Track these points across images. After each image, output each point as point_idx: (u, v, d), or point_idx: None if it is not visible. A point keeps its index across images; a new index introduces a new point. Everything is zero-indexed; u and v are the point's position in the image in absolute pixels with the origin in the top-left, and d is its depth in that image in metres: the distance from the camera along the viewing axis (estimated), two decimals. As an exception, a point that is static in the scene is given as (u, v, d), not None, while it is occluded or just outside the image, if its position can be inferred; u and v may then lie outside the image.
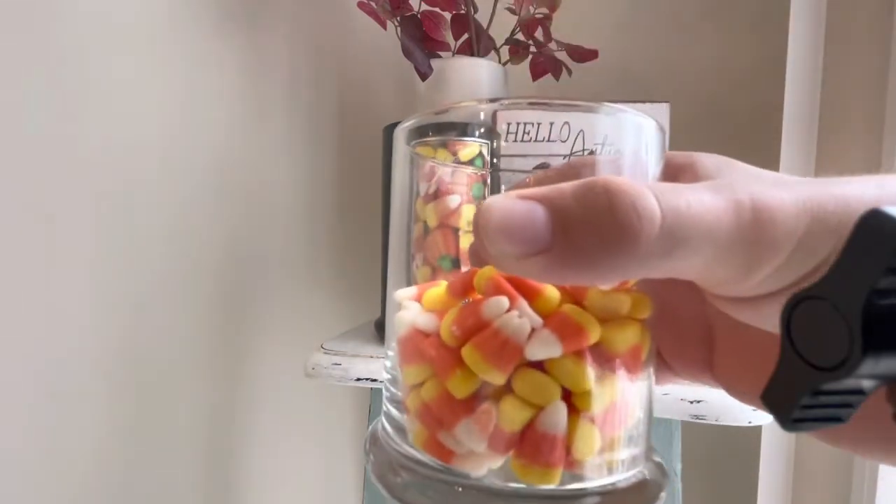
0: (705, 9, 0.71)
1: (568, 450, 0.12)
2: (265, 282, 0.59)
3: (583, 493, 0.13)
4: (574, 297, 0.13)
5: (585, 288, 0.13)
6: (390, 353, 0.16)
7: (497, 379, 0.12)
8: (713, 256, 0.10)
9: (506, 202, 0.11)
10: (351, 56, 0.72)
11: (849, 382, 0.09)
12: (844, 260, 0.09)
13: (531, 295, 0.13)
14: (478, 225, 0.11)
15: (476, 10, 0.56)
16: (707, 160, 0.14)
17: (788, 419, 0.10)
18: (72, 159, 0.39)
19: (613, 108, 0.13)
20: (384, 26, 0.54)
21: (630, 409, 0.13)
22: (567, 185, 0.11)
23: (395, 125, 0.45)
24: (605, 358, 0.13)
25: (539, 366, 0.12)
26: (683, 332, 0.17)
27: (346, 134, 0.71)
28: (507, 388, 0.12)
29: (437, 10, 0.54)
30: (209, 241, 0.52)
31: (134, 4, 0.43)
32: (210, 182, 0.51)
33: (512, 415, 0.12)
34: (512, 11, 0.57)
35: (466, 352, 0.12)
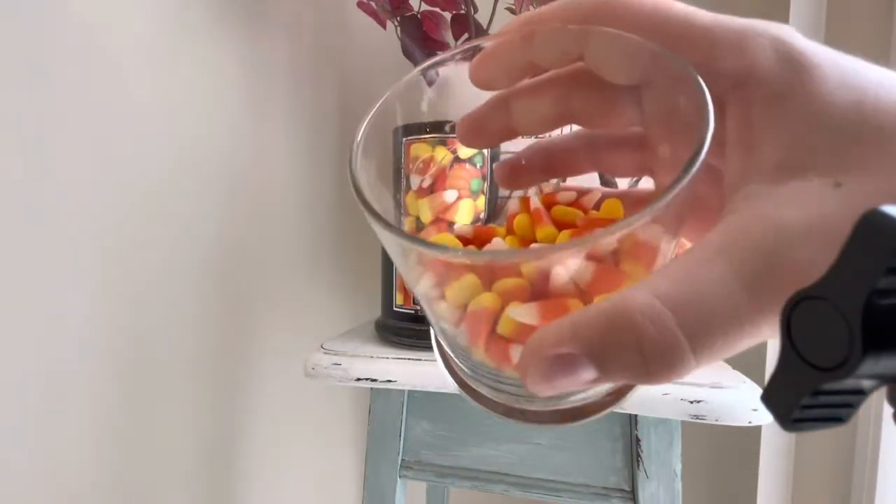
0: (705, 9, 0.71)
1: None
2: (265, 282, 0.59)
3: None
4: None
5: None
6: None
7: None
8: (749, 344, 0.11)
9: (540, 363, 0.11)
10: (351, 56, 0.72)
11: (849, 382, 0.09)
12: (844, 260, 0.09)
13: (558, 310, 0.12)
14: (525, 382, 0.11)
15: (476, 10, 0.56)
16: (771, 78, 0.11)
17: (788, 419, 0.10)
18: (73, 160, 0.39)
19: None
20: (384, 26, 0.54)
21: None
22: (595, 319, 0.10)
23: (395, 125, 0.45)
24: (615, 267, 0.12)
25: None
26: (703, 212, 0.15)
27: (346, 134, 0.71)
28: None
29: (437, 10, 0.54)
30: (209, 241, 0.52)
31: (136, 5, 0.43)
32: (210, 182, 0.51)
33: None
34: (511, 11, 0.57)
35: None
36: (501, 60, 0.14)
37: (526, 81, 0.15)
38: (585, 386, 0.11)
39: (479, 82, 0.15)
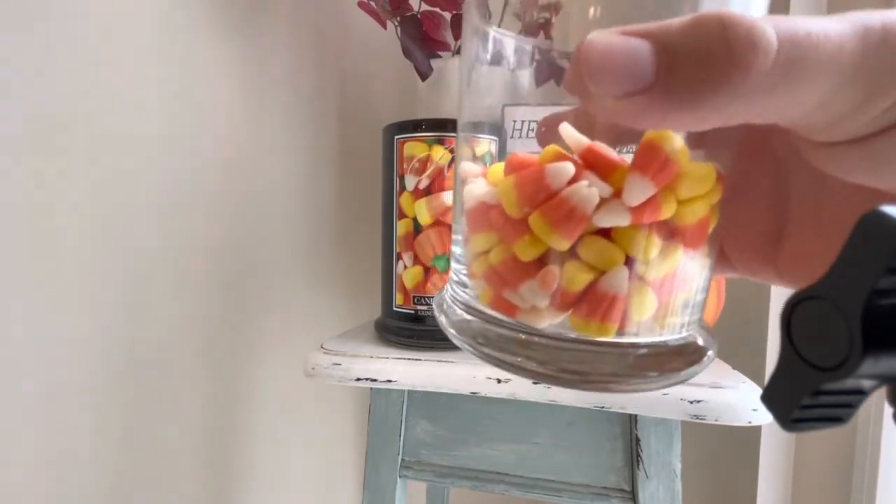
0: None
1: (624, 311, 0.13)
2: (265, 282, 0.59)
3: (635, 345, 0.13)
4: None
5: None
6: (456, 226, 0.16)
7: (562, 245, 0.12)
8: (832, 87, 0.10)
9: (608, 37, 0.10)
10: (351, 56, 0.72)
11: (849, 382, 0.09)
12: (844, 260, 0.09)
13: (607, 170, 0.13)
14: (578, 61, 0.11)
15: (490, 18, 0.56)
16: None
17: (788, 419, 0.10)
18: (72, 160, 0.39)
19: None
20: (384, 26, 0.54)
21: (688, 279, 0.14)
22: (674, 21, 0.10)
23: (394, 125, 0.45)
24: (671, 231, 0.13)
25: (604, 232, 0.12)
26: (753, 217, 0.16)
27: (346, 134, 0.71)
28: (572, 253, 0.13)
29: (437, 10, 0.54)
30: (209, 241, 0.52)
31: (135, 5, 0.43)
32: (210, 182, 0.51)
33: (574, 276, 0.13)
34: (518, 17, 0.57)
35: (534, 220, 0.13)
36: None
37: None
38: (638, 99, 0.10)
39: None
